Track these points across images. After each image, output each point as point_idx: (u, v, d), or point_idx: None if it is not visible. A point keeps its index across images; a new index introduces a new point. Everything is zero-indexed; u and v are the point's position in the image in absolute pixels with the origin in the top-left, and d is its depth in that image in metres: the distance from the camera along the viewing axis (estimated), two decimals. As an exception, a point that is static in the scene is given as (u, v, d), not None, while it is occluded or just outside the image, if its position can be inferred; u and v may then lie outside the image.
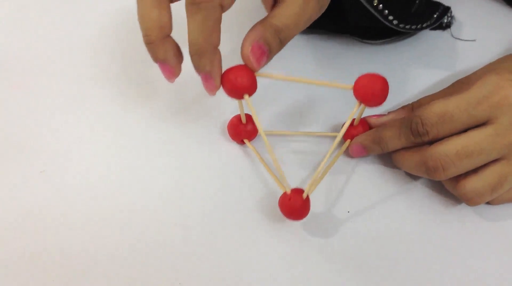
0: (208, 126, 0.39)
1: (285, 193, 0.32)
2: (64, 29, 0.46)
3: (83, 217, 0.34)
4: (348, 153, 0.37)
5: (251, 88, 0.31)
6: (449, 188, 0.34)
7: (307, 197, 0.32)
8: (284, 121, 0.39)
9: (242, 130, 0.37)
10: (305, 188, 0.32)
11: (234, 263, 0.32)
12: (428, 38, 0.45)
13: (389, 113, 0.37)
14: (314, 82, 0.32)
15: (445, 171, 0.32)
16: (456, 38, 0.45)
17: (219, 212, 0.34)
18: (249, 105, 0.31)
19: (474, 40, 0.45)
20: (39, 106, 0.40)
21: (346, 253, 0.33)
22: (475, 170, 0.32)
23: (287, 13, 0.30)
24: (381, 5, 0.39)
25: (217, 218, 0.34)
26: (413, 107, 0.37)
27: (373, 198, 0.35)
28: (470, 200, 0.32)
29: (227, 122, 0.37)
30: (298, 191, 0.32)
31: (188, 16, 0.29)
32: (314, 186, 0.32)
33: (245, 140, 0.37)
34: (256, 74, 0.31)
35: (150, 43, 0.31)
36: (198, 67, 0.31)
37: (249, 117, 0.36)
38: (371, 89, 0.30)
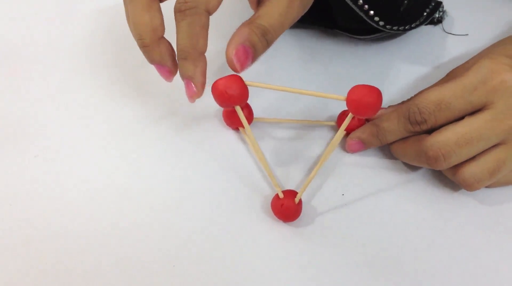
0: (204, 112, 0.39)
1: (277, 196, 0.32)
2: (61, 19, 0.47)
3: (77, 201, 0.34)
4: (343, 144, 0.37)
5: (242, 100, 0.31)
6: (448, 175, 0.34)
7: (300, 200, 0.32)
8: (279, 108, 0.40)
9: (237, 117, 0.37)
10: (299, 190, 0.32)
11: (228, 246, 0.32)
12: (419, 33, 0.46)
13: (389, 107, 0.37)
14: (306, 93, 0.31)
15: (446, 160, 0.32)
16: (448, 33, 0.46)
17: (214, 197, 0.34)
18: (241, 116, 0.31)
19: (466, 35, 0.45)
20: (33, 91, 0.40)
21: (341, 238, 0.33)
22: (473, 156, 0.32)
23: (273, 13, 0.30)
24: (366, 6, 0.39)
25: (212, 203, 0.34)
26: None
27: (369, 184, 0.35)
28: (469, 186, 0.32)
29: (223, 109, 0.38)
30: (290, 194, 0.32)
31: (176, 23, 0.30)
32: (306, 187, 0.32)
33: (240, 128, 0.37)
34: (247, 83, 0.30)
35: (145, 47, 0.31)
36: (181, 72, 0.32)
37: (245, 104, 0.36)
38: (364, 103, 0.29)
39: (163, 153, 0.37)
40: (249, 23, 0.30)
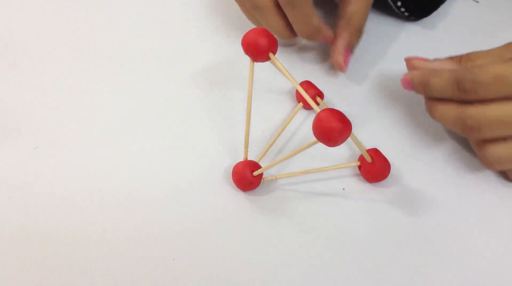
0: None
1: (237, 164, 0.33)
2: (59, 12, 0.47)
3: (77, 193, 0.34)
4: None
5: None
6: (473, 146, 0.34)
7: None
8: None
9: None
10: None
11: (227, 238, 0.32)
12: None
13: (435, 60, 0.36)
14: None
15: (481, 133, 0.31)
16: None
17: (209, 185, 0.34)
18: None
19: (477, 2, 0.43)
20: (33, 83, 0.41)
21: (340, 231, 0.33)
22: (505, 137, 0.31)
23: (360, 10, 0.37)
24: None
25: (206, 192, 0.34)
26: (461, 60, 0.35)
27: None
28: (489, 164, 0.33)
29: None
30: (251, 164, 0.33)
31: (288, 11, 0.36)
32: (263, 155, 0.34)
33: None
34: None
35: None
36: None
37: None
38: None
39: (163, 147, 0.37)
40: (346, 25, 0.37)
